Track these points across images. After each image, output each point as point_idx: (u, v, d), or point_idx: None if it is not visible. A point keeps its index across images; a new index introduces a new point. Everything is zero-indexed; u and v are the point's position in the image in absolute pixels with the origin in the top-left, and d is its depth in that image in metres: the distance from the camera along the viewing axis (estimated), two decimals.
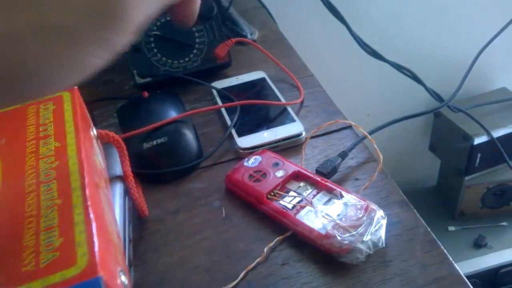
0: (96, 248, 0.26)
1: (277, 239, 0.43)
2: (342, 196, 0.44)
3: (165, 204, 0.49)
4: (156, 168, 0.52)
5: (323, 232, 0.40)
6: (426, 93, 1.03)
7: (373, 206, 0.42)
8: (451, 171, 1.39)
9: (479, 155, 1.29)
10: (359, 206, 0.42)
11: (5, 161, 0.35)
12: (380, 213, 0.41)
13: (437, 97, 1.11)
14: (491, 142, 1.28)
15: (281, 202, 0.45)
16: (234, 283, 0.40)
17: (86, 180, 0.31)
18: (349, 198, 0.43)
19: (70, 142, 0.35)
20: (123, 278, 0.28)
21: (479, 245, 1.24)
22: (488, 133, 1.25)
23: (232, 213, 0.47)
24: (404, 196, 0.46)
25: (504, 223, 1.34)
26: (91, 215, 0.28)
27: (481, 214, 1.35)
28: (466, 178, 1.33)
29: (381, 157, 0.49)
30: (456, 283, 0.38)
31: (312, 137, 0.54)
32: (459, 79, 1.02)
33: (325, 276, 0.40)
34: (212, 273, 0.41)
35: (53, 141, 0.36)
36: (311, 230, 0.41)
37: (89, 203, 0.29)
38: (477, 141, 1.26)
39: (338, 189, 0.44)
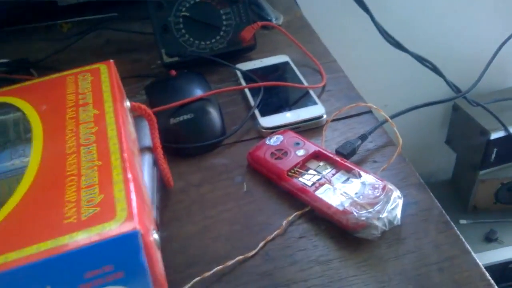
0: (134, 205, 0.28)
1: (295, 214, 0.45)
2: (360, 176, 0.45)
3: (189, 177, 0.51)
4: (181, 142, 0.54)
5: (340, 208, 0.42)
6: (445, 87, 1.03)
7: (391, 186, 0.43)
8: (466, 165, 1.39)
9: (495, 150, 1.29)
10: (376, 186, 0.44)
11: (46, 125, 0.37)
12: (397, 193, 0.43)
13: (456, 89, 1.11)
14: (508, 137, 1.28)
15: (300, 179, 0.47)
16: (253, 252, 0.42)
17: (124, 145, 0.33)
18: (367, 177, 0.45)
19: (108, 110, 0.38)
20: (156, 236, 0.31)
21: (489, 239, 1.25)
22: (506, 128, 1.25)
23: (253, 188, 0.49)
24: (421, 180, 0.48)
25: None
26: (129, 175, 0.30)
27: (493, 209, 1.36)
28: (481, 172, 1.33)
29: (401, 140, 0.50)
30: (468, 263, 0.40)
31: (332, 120, 0.56)
32: (478, 73, 1.02)
33: (340, 250, 0.42)
34: (233, 243, 0.43)
35: (92, 108, 0.38)
36: (329, 206, 0.43)
37: (127, 164, 0.31)
38: (494, 136, 1.26)
39: (356, 169, 0.46)
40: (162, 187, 0.48)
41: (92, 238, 0.26)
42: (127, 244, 0.26)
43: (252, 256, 0.42)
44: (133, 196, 0.29)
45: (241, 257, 0.41)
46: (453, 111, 1.41)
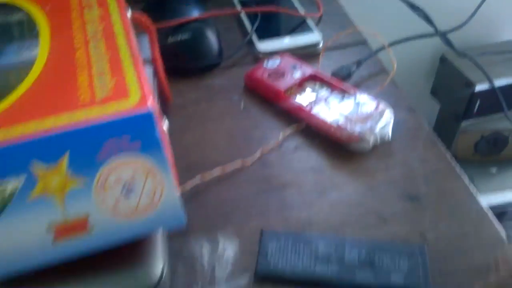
0: (147, 88, 0.29)
1: (291, 129, 0.47)
2: (354, 96, 0.47)
3: (187, 94, 0.52)
4: (179, 62, 0.55)
5: (335, 123, 0.44)
6: (435, 39, 1.04)
7: (383, 105, 0.45)
8: (449, 116, 1.43)
9: (478, 101, 1.33)
10: (370, 104, 0.46)
11: (52, 23, 0.38)
12: (389, 111, 0.45)
13: (446, 41, 1.13)
14: (492, 90, 1.31)
15: (297, 99, 0.48)
16: (251, 160, 0.44)
17: (132, 41, 0.34)
18: (361, 97, 0.47)
19: (113, 11, 0.38)
20: (165, 124, 0.32)
21: None
22: (490, 81, 1.28)
23: (250, 106, 0.50)
24: (411, 105, 0.50)
25: (493, 171, 1.40)
26: (140, 65, 0.31)
27: (472, 160, 1.41)
28: (463, 124, 1.37)
29: (395, 64, 0.52)
30: (452, 176, 0.42)
31: (328, 49, 0.57)
32: (468, 26, 1.03)
33: (333, 160, 0.44)
34: (231, 152, 0.45)
35: (96, 8, 0.38)
36: (324, 121, 0.45)
37: (136, 57, 0.32)
38: (478, 88, 1.29)
39: (351, 90, 0.48)
40: (162, 101, 0.49)
41: (108, 114, 0.27)
42: (143, 120, 0.27)
43: (250, 164, 0.44)
44: (145, 82, 0.30)
45: (239, 163, 0.43)
46: (440, 62, 1.42)
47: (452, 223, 0.39)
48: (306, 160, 0.44)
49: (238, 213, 0.40)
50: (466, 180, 0.42)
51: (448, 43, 1.09)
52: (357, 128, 0.43)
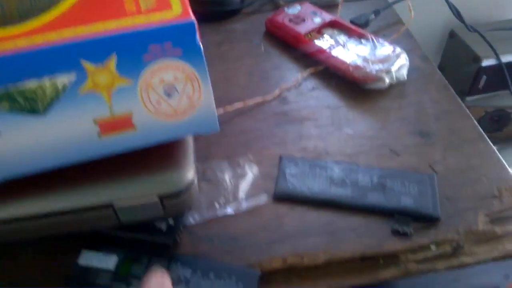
0: (187, 3, 0.31)
1: (309, 70, 0.49)
2: (372, 41, 0.49)
3: (209, 37, 0.54)
4: (201, 7, 0.56)
5: (353, 63, 0.46)
6: (445, 12, 1.04)
7: (399, 49, 0.47)
8: (455, 90, 1.44)
9: (484, 77, 1.34)
10: (387, 48, 0.48)
11: None
12: (404, 55, 0.47)
13: (457, 12, 1.14)
14: (499, 66, 1.32)
15: (316, 42, 0.50)
16: (270, 97, 0.46)
17: None
18: (378, 42, 0.49)
19: None
20: None
21: None
22: (497, 57, 1.29)
23: (271, 49, 0.52)
24: (425, 53, 0.52)
25: (495, 147, 1.42)
26: None
27: None
28: (467, 99, 1.39)
29: (412, 13, 0.54)
30: (462, 116, 0.45)
31: (346, 0, 0.59)
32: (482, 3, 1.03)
33: (349, 99, 0.46)
34: (251, 89, 0.47)
35: None
36: (343, 62, 0.47)
37: None
38: (485, 63, 1.30)
39: (369, 35, 0.50)
40: None
41: (153, 22, 0.29)
42: (185, 29, 0.29)
43: (269, 100, 0.46)
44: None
45: (259, 98, 0.46)
46: (449, 37, 1.44)
47: (460, 157, 0.41)
48: (323, 98, 0.46)
49: (258, 142, 0.42)
50: (474, 121, 0.44)
51: (459, 16, 1.10)
52: (374, 68, 0.45)
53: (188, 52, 0.29)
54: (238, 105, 0.44)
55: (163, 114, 0.29)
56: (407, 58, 0.47)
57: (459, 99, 0.46)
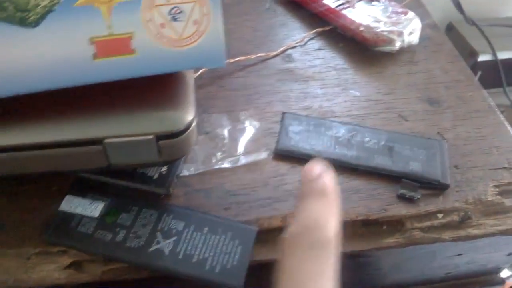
0: None
1: (316, 30, 0.46)
2: (384, 2, 0.47)
3: None
4: None
5: (364, 23, 0.44)
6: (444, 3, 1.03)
7: (412, 13, 0.45)
8: None
9: (479, 72, 1.34)
10: (399, 11, 0.45)
11: None
12: (417, 20, 0.45)
13: (457, 3, 1.13)
14: (494, 63, 1.32)
15: (325, 1, 0.48)
16: (275, 53, 0.44)
17: None
18: (391, 4, 0.47)
19: None
20: None
21: None
22: (494, 52, 1.29)
23: (277, 7, 0.50)
24: (436, 22, 0.50)
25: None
26: None
27: None
28: None
29: None
30: (472, 86, 0.43)
31: None
32: None
33: (357, 62, 0.44)
34: (255, 44, 0.45)
35: None
36: (352, 22, 0.45)
37: None
38: (481, 58, 1.30)
39: None
40: None
41: None
42: None
43: (273, 56, 0.44)
44: None
45: (263, 54, 0.43)
46: (447, 30, 1.43)
47: (470, 126, 0.39)
48: (330, 59, 0.44)
49: (260, 97, 0.40)
50: (484, 91, 0.43)
51: (460, 8, 1.09)
52: (386, 30, 0.43)
53: None
54: (240, 58, 0.42)
55: (167, 39, 0.26)
56: (420, 23, 0.45)
57: (469, 70, 0.45)
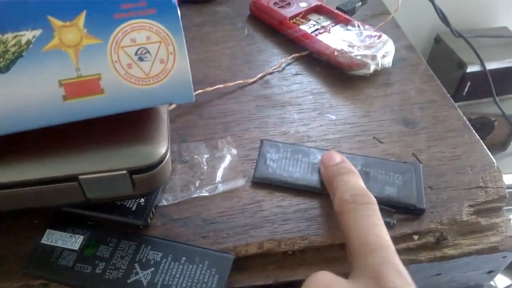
0: None
1: (293, 55, 0.47)
2: (358, 27, 0.48)
3: (191, 18, 0.52)
4: None
5: (338, 48, 0.45)
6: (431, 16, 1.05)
7: (386, 36, 0.46)
8: None
9: (468, 83, 1.35)
10: (373, 35, 0.46)
11: None
12: (391, 43, 0.46)
13: (443, 17, 1.14)
14: (483, 73, 1.33)
15: (302, 27, 0.49)
16: (252, 80, 0.45)
17: None
18: (364, 29, 0.48)
19: None
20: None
21: None
22: (482, 63, 1.30)
23: (255, 33, 0.51)
24: (411, 43, 0.51)
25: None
26: None
27: None
28: None
29: (400, 1, 0.53)
30: (447, 106, 0.44)
31: None
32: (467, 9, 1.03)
33: (333, 86, 0.45)
34: (233, 72, 0.46)
35: None
36: (327, 47, 0.46)
37: None
38: (470, 69, 1.31)
39: (355, 21, 0.48)
40: None
41: None
42: None
43: (251, 82, 0.44)
44: None
45: (241, 81, 0.44)
46: (435, 43, 1.44)
47: (445, 146, 0.40)
48: (306, 84, 0.45)
49: (238, 124, 0.41)
50: (459, 111, 0.43)
51: (445, 21, 1.11)
52: (360, 54, 0.44)
53: (163, 12, 0.27)
54: (218, 86, 0.43)
55: (134, 78, 0.27)
56: (393, 45, 0.46)
57: (444, 90, 0.45)
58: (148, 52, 0.27)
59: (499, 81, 1.34)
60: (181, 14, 0.53)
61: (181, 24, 0.27)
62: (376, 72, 0.45)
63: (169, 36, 0.27)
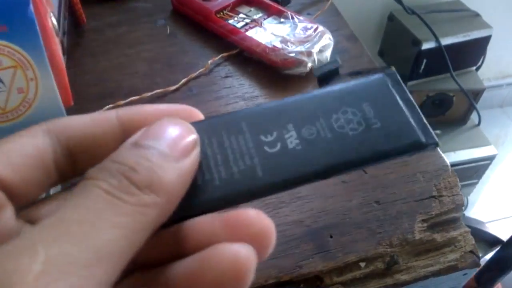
0: None
1: (222, 55, 0.42)
2: (292, 18, 0.43)
3: (105, 18, 0.46)
4: None
5: (270, 45, 0.40)
6: None
7: (322, 28, 0.41)
8: None
9: (425, 61, 1.33)
10: (309, 27, 0.41)
11: None
12: (328, 35, 0.41)
13: None
14: (438, 49, 1.31)
15: (230, 21, 0.43)
16: (175, 87, 0.39)
17: None
18: (299, 21, 0.42)
19: None
20: (54, 21, 0.26)
21: None
22: (437, 39, 1.28)
23: (178, 31, 0.45)
24: (353, 31, 0.46)
25: (437, 131, 1.41)
26: None
27: None
28: (409, 83, 1.37)
29: None
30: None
31: None
32: None
33: (266, 88, 0.39)
34: (152, 79, 0.40)
35: None
36: (258, 44, 0.40)
37: None
38: (425, 46, 1.28)
39: (289, 12, 0.43)
40: (72, 26, 0.43)
41: None
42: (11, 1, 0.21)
43: (173, 91, 0.39)
44: None
45: (160, 90, 0.38)
46: (388, 21, 1.41)
47: None
48: (237, 88, 0.39)
49: None
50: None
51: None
52: (294, 50, 0.39)
53: (17, 29, 0.21)
54: (133, 98, 0.37)
55: None
56: (331, 38, 0.41)
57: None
58: (1, 81, 0.21)
59: (455, 56, 1.32)
60: (92, 13, 0.46)
61: (41, 41, 0.21)
62: (313, 67, 0.39)
63: (27, 59, 0.21)
